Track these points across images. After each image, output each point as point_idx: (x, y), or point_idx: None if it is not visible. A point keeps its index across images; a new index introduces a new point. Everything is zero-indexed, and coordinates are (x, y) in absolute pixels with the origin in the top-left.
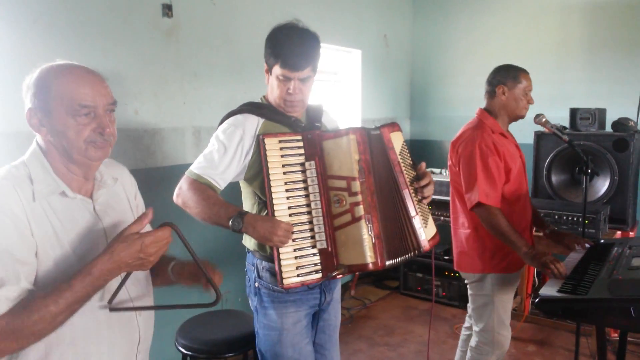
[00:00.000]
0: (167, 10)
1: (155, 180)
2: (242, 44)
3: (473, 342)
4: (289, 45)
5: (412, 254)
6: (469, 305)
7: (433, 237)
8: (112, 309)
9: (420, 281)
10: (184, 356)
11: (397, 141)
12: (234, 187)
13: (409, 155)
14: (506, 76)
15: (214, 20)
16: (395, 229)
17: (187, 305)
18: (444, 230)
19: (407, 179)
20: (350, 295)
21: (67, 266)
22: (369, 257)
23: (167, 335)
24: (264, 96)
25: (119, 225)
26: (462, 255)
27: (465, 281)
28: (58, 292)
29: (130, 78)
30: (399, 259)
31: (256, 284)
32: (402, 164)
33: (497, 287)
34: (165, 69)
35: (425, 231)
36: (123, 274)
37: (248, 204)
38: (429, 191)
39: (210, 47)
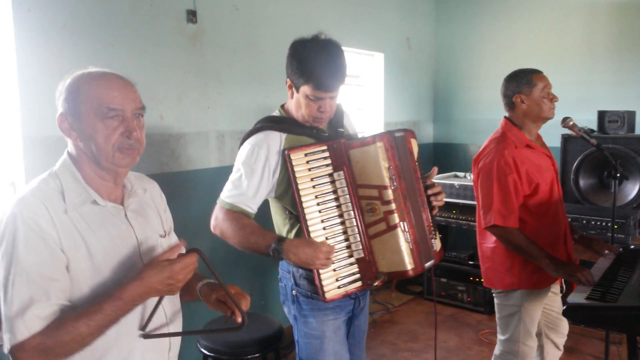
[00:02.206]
0: (192, 16)
1: (180, 184)
2: (265, 49)
3: (497, 350)
4: (321, 66)
5: (432, 261)
6: (496, 315)
7: (439, 252)
8: (146, 337)
9: (444, 286)
10: (205, 357)
11: (415, 147)
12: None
13: (421, 164)
14: (519, 83)
15: (237, 25)
16: (422, 233)
17: (215, 330)
18: (469, 235)
19: (422, 187)
20: (374, 300)
21: (100, 278)
22: (409, 264)
23: (190, 338)
24: (282, 107)
25: (149, 236)
26: (490, 270)
27: (492, 290)
28: (90, 314)
29: (155, 83)
30: (429, 263)
31: (294, 292)
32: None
33: (526, 299)
34: (190, 74)
35: (435, 242)
36: (156, 299)
37: (279, 219)
38: (439, 201)
39: (233, 53)
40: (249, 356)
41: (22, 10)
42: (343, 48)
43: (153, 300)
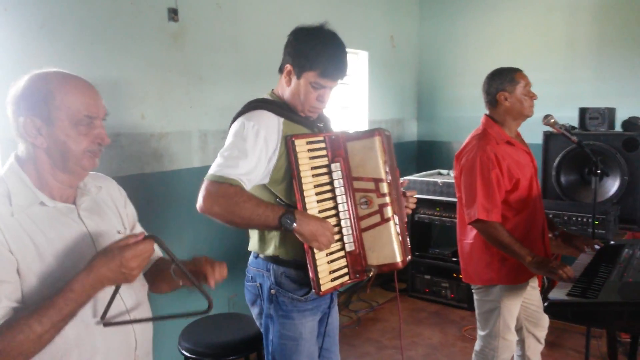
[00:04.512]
0: (173, 14)
1: (162, 184)
2: (248, 47)
3: (477, 346)
4: (329, 55)
5: (410, 257)
6: (476, 311)
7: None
8: (107, 324)
9: (428, 283)
10: (186, 359)
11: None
12: None
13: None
14: (503, 81)
15: (219, 23)
16: (403, 229)
17: (180, 315)
18: (452, 232)
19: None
20: (359, 298)
21: (52, 279)
22: (399, 256)
23: (169, 339)
24: (272, 91)
25: (105, 233)
26: (469, 266)
27: (472, 287)
28: (41, 310)
29: (136, 82)
30: (408, 258)
31: (272, 291)
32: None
33: (505, 294)
34: (171, 72)
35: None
36: (112, 288)
37: None
38: (411, 205)
39: (216, 51)
40: (231, 357)
41: None
42: None
43: (107, 294)
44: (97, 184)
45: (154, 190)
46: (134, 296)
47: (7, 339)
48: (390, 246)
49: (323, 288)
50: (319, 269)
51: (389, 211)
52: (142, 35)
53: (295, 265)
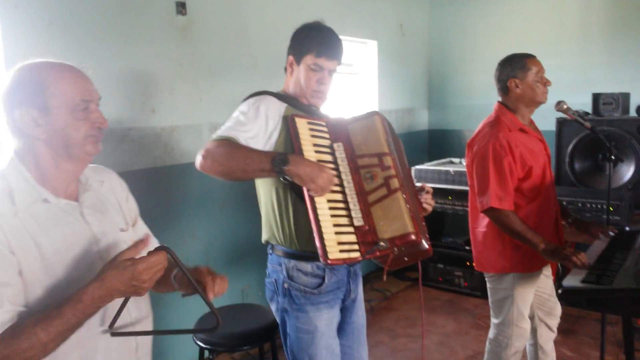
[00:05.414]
0: (181, 8)
1: (174, 177)
2: (256, 39)
3: (491, 334)
4: (324, 36)
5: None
6: (489, 299)
7: (429, 248)
8: (114, 334)
9: (441, 272)
10: (202, 350)
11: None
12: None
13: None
14: (514, 68)
15: (227, 16)
16: (417, 210)
17: (190, 331)
18: (465, 220)
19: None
20: (372, 287)
21: (54, 281)
22: (410, 227)
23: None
24: (281, 90)
25: (108, 232)
26: (482, 254)
27: (485, 275)
28: (48, 319)
29: (146, 77)
30: (426, 243)
31: (285, 285)
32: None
33: (518, 282)
34: (181, 66)
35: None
36: (122, 299)
37: (266, 189)
38: (428, 203)
39: (224, 44)
40: (245, 347)
41: (8, 6)
42: None
43: (117, 301)
44: (99, 178)
45: (166, 184)
46: (139, 307)
47: (13, 346)
48: (401, 218)
49: (331, 256)
50: (325, 236)
51: (395, 182)
52: (151, 29)
53: (306, 257)
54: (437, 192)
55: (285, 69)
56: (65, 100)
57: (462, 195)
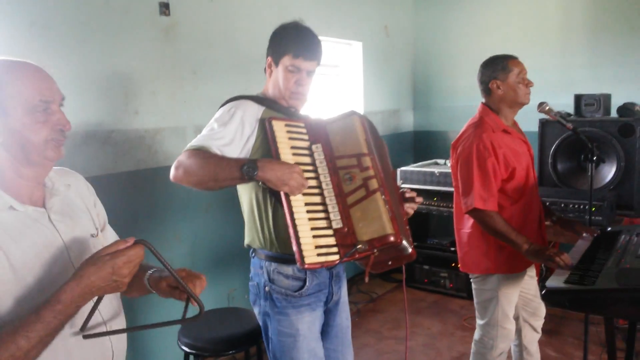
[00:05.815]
0: (165, 8)
1: (157, 180)
2: (241, 40)
3: (477, 335)
4: (302, 37)
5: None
6: (474, 300)
7: (412, 252)
8: (86, 336)
9: (427, 273)
10: (187, 355)
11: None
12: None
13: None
14: (495, 69)
15: (212, 17)
16: (399, 212)
17: (168, 323)
18: (450, 222)
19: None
20: (358, 290)
21: (25, 291)
22: (389, 228)
23: (169, 335)
24: (261, 92)
25: (78, 238)
26: (467, 255)
27: (470, 276)
28: (27, 325)
29: (128, 78)
30: (408, 245)
31: (266, 288)
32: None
33: (503, 283)
34: (164, 68)
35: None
36: (95, 298)
37: (247, 192)
38: (414, 204)
39: (208, 45)
40: (231, 351)
41: None
42: (320, 37)
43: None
44: (65, 181)
45: (150, 187)
46: (109, 306)
47: None
48: (379, 220)
49: (307, 261)
50: (302, 240)
51: (374, 183)
52: (134, 30)
53: (286, 260)
54: (422, 194)
55: (265, 71)
56: (22, 100)
57: (447, 197)
